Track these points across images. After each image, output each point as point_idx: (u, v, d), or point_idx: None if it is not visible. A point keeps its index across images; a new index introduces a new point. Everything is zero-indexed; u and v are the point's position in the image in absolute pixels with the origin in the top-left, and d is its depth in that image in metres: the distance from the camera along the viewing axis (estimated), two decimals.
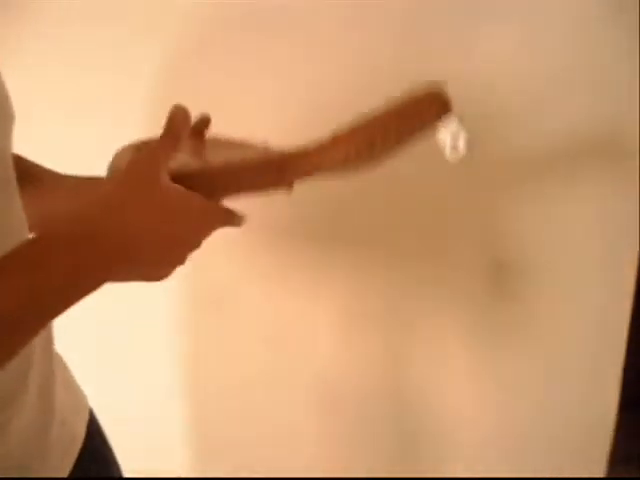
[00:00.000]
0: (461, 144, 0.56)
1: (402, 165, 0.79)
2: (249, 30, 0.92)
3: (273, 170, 0.56)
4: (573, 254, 0.99)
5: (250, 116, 0.92)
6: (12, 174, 0.51)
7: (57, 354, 0.59)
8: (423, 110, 0.53)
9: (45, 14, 0.95)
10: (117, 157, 0.62)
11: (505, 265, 1.01)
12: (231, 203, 0.54)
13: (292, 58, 0.93)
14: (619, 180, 0.96)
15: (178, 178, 0.49)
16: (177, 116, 0.49)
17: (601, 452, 0.98)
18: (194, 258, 0.50)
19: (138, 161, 0.47)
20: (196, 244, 0.49)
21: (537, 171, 0.99)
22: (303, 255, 1.00)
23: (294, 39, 0.92)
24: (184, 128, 0.49)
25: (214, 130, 0.64)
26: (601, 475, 0.97)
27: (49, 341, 0.56)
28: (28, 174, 0.60)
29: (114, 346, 1.06)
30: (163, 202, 0.46)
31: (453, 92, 0.51)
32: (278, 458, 1.11)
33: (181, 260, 0.48)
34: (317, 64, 0.92)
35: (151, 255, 0.46)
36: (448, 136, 0.55)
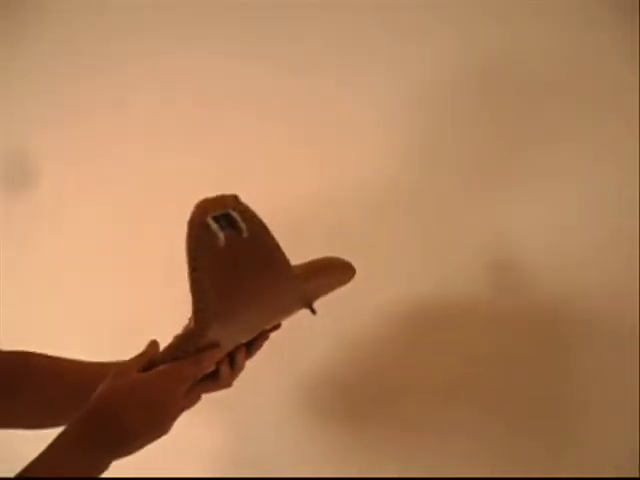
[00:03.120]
0: None
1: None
2: None
3: None
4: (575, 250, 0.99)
5: None
6: None
7: None
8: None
9: None
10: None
11: (505, 264, 1.01)
12: None
13: None
14: (620, 179, 0.96)
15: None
16: (150, 349, 0.69)
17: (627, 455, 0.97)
18: None
19: (116, 372, 0.65)
20: (178, 403, 0.65)
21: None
22: None
23: None
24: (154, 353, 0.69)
25: None
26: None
27: None
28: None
29: None
30: (137, 386, 0.63)
31: None
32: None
33: (172, 416, 0.65)
34: None
35: (145, 425, 0.62)
36: None
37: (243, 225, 0.68)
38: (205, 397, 0.71)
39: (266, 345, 0.78)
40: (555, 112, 0.99)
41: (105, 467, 0.61)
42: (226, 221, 0.67)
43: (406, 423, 1.07)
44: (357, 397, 1.09)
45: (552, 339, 1.00)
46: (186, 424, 0.90)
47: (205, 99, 1.10)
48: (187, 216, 0.80)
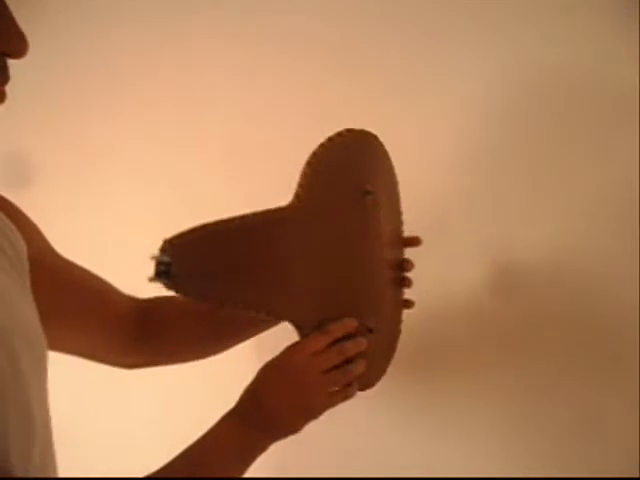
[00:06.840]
0: None
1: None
2: None
3: None
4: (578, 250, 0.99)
5: None
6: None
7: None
8: None
9: None
10: None
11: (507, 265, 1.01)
12: None
13: None
14: (622, 181, 0.96)
15: None
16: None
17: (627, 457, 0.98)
18: None
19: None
20: (316, 376, 0.68)
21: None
22: None
23: None
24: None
25: None
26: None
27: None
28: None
29: None
30: (269, 368, 0.69)
31: None
32: None
33: (316, 389, 0.68)
34: None
35: (288, 401, 0.67)
36: None
37: None
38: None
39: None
40: (556, 112, 0.99)
41: (264, 448, 0.68)
42: None
43: (406, 424, 1.08)
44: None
45: (553, 340, 1.01)
46: None
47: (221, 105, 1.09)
48: (190, 217, 0.79)
